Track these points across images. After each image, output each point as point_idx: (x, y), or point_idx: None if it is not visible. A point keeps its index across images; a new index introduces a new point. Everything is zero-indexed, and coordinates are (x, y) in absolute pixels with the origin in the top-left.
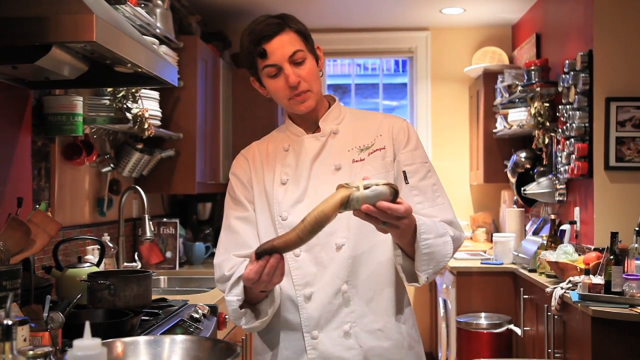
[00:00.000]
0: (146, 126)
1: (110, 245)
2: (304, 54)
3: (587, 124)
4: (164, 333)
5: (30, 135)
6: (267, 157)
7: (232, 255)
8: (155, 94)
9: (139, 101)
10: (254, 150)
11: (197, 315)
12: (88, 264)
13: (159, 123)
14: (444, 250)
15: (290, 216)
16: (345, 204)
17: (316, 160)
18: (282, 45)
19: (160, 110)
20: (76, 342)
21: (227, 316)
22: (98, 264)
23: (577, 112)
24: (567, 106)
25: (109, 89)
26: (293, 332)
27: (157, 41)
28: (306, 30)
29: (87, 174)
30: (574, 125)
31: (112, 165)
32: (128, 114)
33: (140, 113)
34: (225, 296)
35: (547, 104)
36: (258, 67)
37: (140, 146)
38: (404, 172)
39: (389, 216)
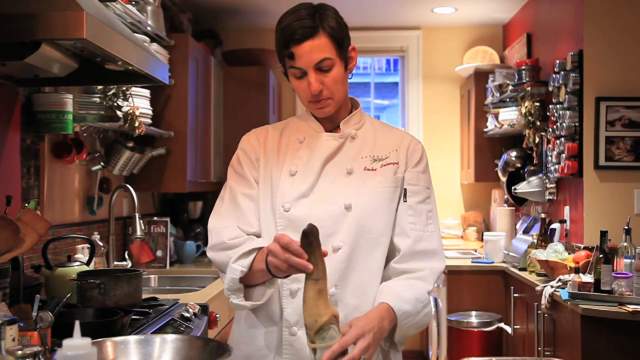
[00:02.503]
0: (137, 124)
1: (100, 244)
2: (331, 61)
3: (577, 124)
4: (155, 332)
5: (19, 133)
6: (280, 144)
7: (236, 226)
8: (146, 92)
9: (130, 99)
10: (268, 133)
11: (187, 315)
12: (78, 263)
13: (149, 121)
14: (422, 323)
15: (293, 208)
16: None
17: (330, 160)
18: (311, 51)
19: (151, 109)
20: (66, 342)
21: (217, 315)
22: (88, 263)
23: (567, 112)
24: (558, 106)
25: (100, 87)
26: (272, 325)
27: (148, 39)
28: (341, 32)
29: (77, 172)
30: (564, 124)
31: (102, 163)
32: (118, 112)
33: (130, 111)
34: (231, 263)
35: (537, 104)
36: (286, 64)
37: (130, 144)
38: (405, 189)
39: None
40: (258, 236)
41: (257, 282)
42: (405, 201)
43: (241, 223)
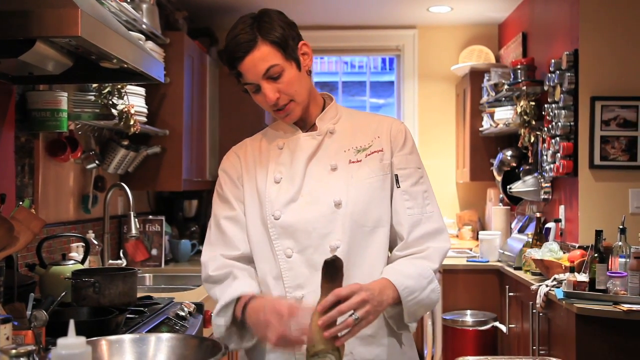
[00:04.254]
0: (132, 122)
1: (95, 242)
2: (279, 67)
3: (572, 123)
4: (150, 331)
5: (13, 131)
6: (260, 154)
7: (219, 254)
8: (141, 90)
9: (125, 97)
10: (246, 147)
11: (183, 313)
12: (72, 262)
13: (144, 119)
14: (430, 300)
15: (283, 215)
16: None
17: (312, 159)
18: (254, 64)
19: (146, 107)
20: (60, 341)
21: (212, 314)
22: (82, 262)
23: (563, 111)
24: (553, 105)
25: (94, 85)
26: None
27: (143, 37)
28: (284, 34)
29: (72, 170)
30: (559, 124)
31: (97, 161)
32: (113, 110)
33: (125, 109)
34: (213, 319)
35: (533, 103)
36: (240, 82)
37: (125, 143)
38: (396, 175)
39: (344, 310)
40: (246, 257)
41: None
42: (399, 187)
43: (227, 249)
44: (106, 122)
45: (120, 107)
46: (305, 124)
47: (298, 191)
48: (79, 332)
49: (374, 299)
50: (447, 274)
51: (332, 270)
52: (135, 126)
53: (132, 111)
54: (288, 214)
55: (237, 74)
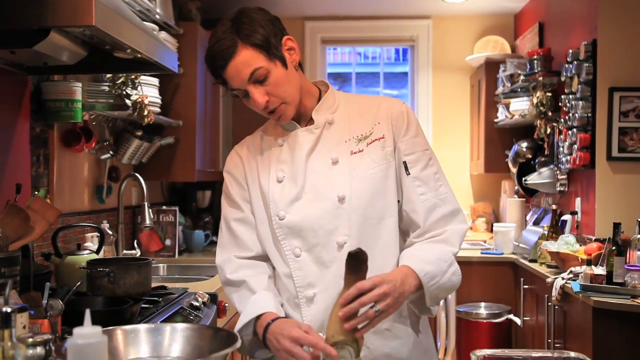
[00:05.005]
0: (146, 113)
1: (110, 232)
2: (264, 69)
3: (589, 114)
4: (164, 321)
5: (28, 121)
6: (262, 153)
7: (233, 256)
8: (155, 81)
9: (139, 88)
10: (248, 145)
11: (197, 304)
12: (87, 252)
13: (158, 110)
14: (451, 283)
15: (287, 215)
16: None
17: (312, 154)
18: (238, 71)
19: (160, 97)
20: (76, 330)
21: (226, 305)
22: (97, 252)
23: (580, 102)
24: (570, 96)
25: (108, 75)
26: None
27: (156, 27)
28: (265, 33)
29: (86, 160)
30: (576, 115)
31: (111, 152)
32: (127, 101)
33: (139, 100)
34: (236, 331)
35: (549, 94)
36: (228, 90)
37: (139, 133)
38: (405, 162)
39: (366, 302)
40: (259, 257)
41: None
42: (409, 174)
43: (240, 250)
44: (120, 112)
45: (134, 97)
46: (303, 118)
47: (301, 189)
48: (94, 322)
49: (395, 291)
50: (461, 265)
51: (356, 263)
52: (149, 117)
53: (146, 102)
54: (293, 214)
55: (222, 82)
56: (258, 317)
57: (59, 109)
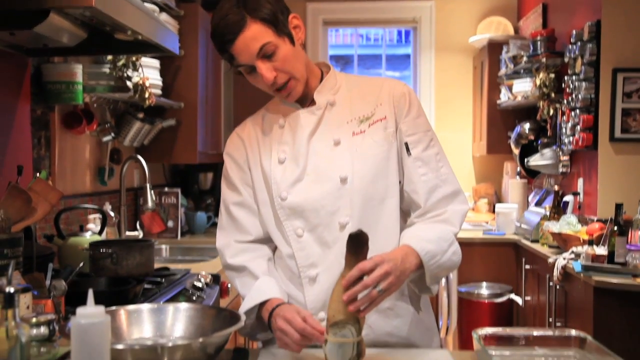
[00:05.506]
0: (147, 95)
1: (112, 214)
2: (272, 44)
3: (592, 95)
4: (167, 302)
5: (29, 103)
6: (263, 134)
7: (233, 241)
8: (156, 63)
9: (139, 69)
10: (249, 128)
11: (199, 284)
12: (90, 233)
13: (159, 92)
14: (452, 263)
15: (290, 196)
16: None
17: (314, 135)
18: (247, 45)
19: (161, 79)
20: (79, 310)
21: (229, 285)
22: (100, 233)
23: (583, 83)
24: (573, 77)
25: (109, 57)
26: None
27: (157, 8)
28: (273, 9)
29: (88, 143)
30: (579, 96)
31: (112, 134)
32: (128, 83)
33: (140, 82)
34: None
35: (552, 75)
36: (232, 66)
37: (141, 115)
38: (406, 143)
39: (369, 284)
40: (259, 240)
41: None
42: (410, 155)
43: (239, 234)
44: (121, 94)
45: (135, 79)
46: (305, 99)
47: (303, 170)
48: (97, 302)
49: (396, 269)
50: (463, 246)
51: (357, 244)
52: (150, 99)
53: (147, 84)
54: (295, 195)
55: (229, 57)
56: (263, 303)
57: (59, 91)
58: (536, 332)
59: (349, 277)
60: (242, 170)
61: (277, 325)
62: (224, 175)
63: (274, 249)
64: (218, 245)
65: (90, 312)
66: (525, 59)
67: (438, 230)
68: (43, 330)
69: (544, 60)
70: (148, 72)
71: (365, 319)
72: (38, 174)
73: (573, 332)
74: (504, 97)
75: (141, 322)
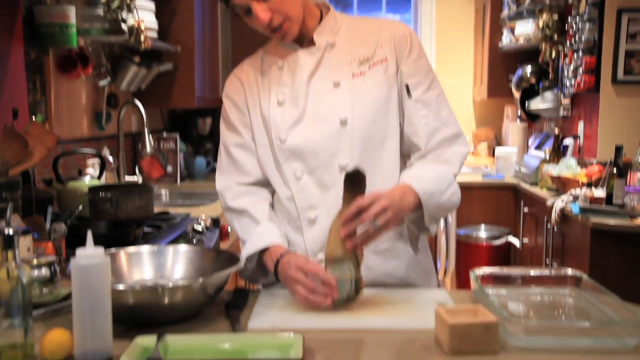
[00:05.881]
0: (142, 38)
1: (110, 159)
2: None
3: (596, 37)
4: (167, 245)
5: (22, 46)
6: (262, 75)
7: (233, 183)
8: (151, 5)
9: (134, 12)
10: (247, 69)
11: (199, 228)
12: (89, 177)
13: (155, 35)
14: (450, 203)
15: (289, 138)
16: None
17: (313, 76)
18: None
19: (157, 22)
20: (79, 251)
21: (229, 228)
22: (99, 178)
23: (587, 24)
24: (577, 18)
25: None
26: (300, 254)
27: None
28: None
29: (84, 87)
30: (582, 37)
31: (109, 78)
32: (123, 25)
33: (135, 24)
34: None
35: (555, 16)
36: (228, 6)
37: (137, 59)
38: (407, 85)
39: (366, 219)
40: (259, 182)
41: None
42: (411, 96)
43: (239, 176)
44: (116, 37)
45: (130, 22)
46: (304, 40)
47: (302, 112)
48: (97, 245)
49: (394, 205)
50: (462, 190)
51: (354, 182)
52: (146, 42)
53: (142, 26)
54: (294, 137)
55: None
56: (264, 250)
57: (53, 34)
58: (533, 272)
59: (346, 213)
60: (241, 112)
61: (290, 275)
62: (222, 117)
63: (273, 192)
64: (218, 187)
65: (89, 253)
66: (528, 0)
67: (438, 170)
68: (44, 271)
69: (547, 1)
70: (143, 15)
71: (364, 256)
72: (34, 118)
73: (569, 272)
74: (506, 39)
75: (141, 264)
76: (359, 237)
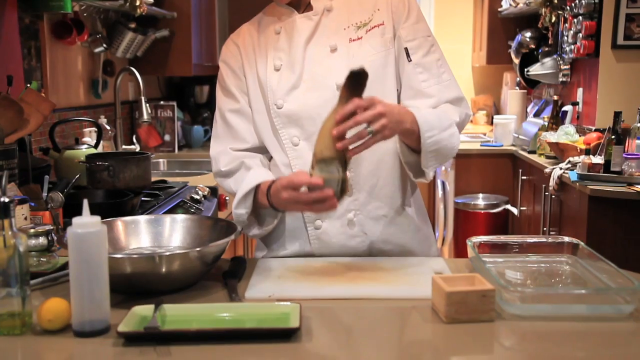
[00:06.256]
0: (138, 3)
1: (108, 127)
2: None
3: (596, 1)
4: (165, 214)
5: (16, 11)
6: (259, 41)
7: (229, 148)
8: None
9: None
10: (244, 34)
11: (197, 197)
12: (86, 146)
13: (151, 1)
14: (449, 143)
15: (286, 104)
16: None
17: (310, 41)
18: None
19: None
20: (76, 220)
21: (227, 198)
22: (96, 146)
23: None
24: None
25: None
26: (296, 222)
27: None
28: None
29: (80, 54)
30: (583, 1)
31: (104, 45)
32: None
33: None
34: (234, 209)
35: None
36: None
37: (133, 25)
38: (406, 49)
39: (360, 120)
40: (255, 149)
41: (266, 205)
42: (410, 60)
43: (235, 142)
44: (111, 3)
45: None
46: (301, 4)
47: (299, 77)
48: (95, 214)
49: (391, 115)
50: (460, 158)
51: (357, 80)
52: (142, 7)
53: None
54: (291, 102)
55: None
56: (257, 191)
57: None
58: (530, 240)
59: (341, 112)
60: (238, 77)
61: (285, 197)
62: (219, 83)
63: (270, 159)
64: (212, 152)
65: (86, 222)
66: None
67: (439, 112)
68: (42, 240)
69: None
70: None
71: (351, 160)
72: (29, 85)
73: (566, 239)
74: (506, 4)
75: (138, 233)
76: (351, 138)
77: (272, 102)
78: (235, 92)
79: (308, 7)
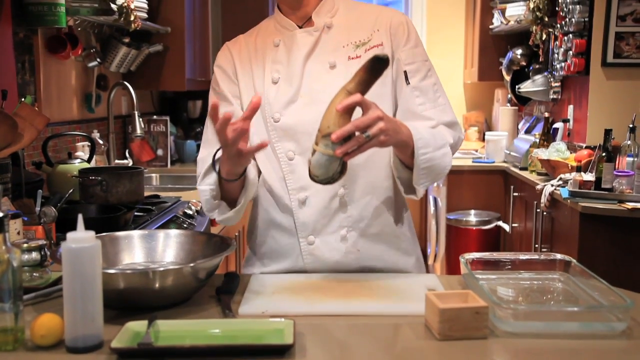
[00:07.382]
0: (132, 18)
1: (101, 142)
2: None
3: (586, 19)
4: (158, 229)
5: (10, 25)
6: (256, 52)
7: (217, 150)
8: None
9: None
10: (241, 43)
11: (190, 212)
12: (79, 160)
13: (145, 15)
14: (442, 162)
15: (283, 117)
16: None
17: (310, 57)
18: None
19: (147, 2)
20: (70, 235)
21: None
22: (89, 161)
23: (578, 6)
24: (567, 0)
25: None
26: (289, 237)
27: None
28: None
29: (73, 68)
30: (573, 19)
31: (98, 59)
32: (113, 5)
33: (125, 4)
34: (198, 186)
35: None
36: None
37: (127, 40)
38: (405, 72)
39: (360, 125)
40: None
41: (236, 190)
42: (409, 83)
43: None
44: (106, 17)
45: (119, 1)
46: (302, 19)
47: (297, 92)
48: (88, 229)
49: (390, 121)
50: (452, 174)
51: (377, 66)
52: (136, 22)
53: (132, 6)
54: (287, 116)
55: None
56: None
57: (41, 13)
58: (522, 257)
59: (345, 102)
60: (232, 82)
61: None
62: (212, 87)
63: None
64: (199, 156)
65: (80, 237)
66: None
67: (434, 132)
68: (35, 255)
69: None
70: None
71: (347, 164)
72: (23, 99)
73: (558, 256)
74: (497, 21)
75: (132, 248)
76: (349, 143)
77: (269, 115)
78: (229, 96)
79: (308, 22)
